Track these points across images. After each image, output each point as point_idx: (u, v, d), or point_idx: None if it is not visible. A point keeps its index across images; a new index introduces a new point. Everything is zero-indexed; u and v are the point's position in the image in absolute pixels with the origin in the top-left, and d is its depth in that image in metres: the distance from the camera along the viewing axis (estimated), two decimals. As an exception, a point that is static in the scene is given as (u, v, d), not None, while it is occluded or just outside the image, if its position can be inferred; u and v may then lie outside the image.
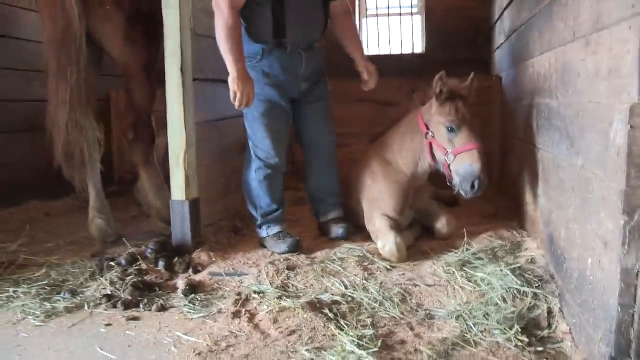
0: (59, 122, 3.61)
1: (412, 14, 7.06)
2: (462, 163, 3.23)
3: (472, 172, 3.19)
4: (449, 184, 3.39)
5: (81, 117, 3.64)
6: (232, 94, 3.29)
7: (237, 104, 3.32)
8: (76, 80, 3.57)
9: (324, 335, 2.41)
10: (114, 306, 2.83)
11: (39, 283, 3.10)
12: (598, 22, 2.06)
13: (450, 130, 3.26)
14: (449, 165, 3.30)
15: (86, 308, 2.82)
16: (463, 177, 3.22)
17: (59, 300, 2.90)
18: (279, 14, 3.39)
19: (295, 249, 3.52)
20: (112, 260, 3.36)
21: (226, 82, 3.33)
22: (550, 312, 2.54)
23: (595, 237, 2.06)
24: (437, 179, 3.69)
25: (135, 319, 2.71)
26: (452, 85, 3.32)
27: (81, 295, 2.98)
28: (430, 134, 3.39)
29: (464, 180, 3.22)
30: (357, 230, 3.81)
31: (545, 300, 2.62)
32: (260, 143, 3.59)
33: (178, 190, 3.52)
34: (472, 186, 3.19)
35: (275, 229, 3.68)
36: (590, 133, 2.14)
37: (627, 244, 1.76)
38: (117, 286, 3.01)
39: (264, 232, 3.73)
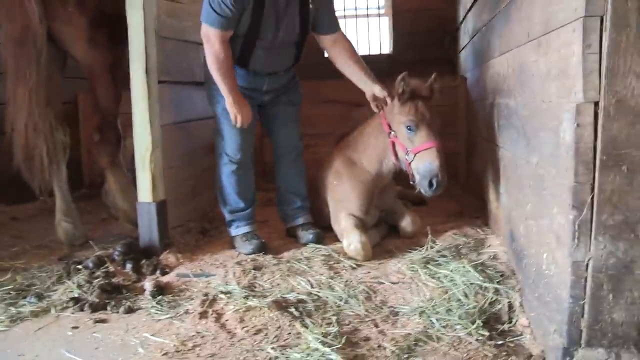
0: (17, 125, 3.56)
1: (379, 15, 7.14)
2: (421, 161, 3.28)
3: (430, 170, 3.24)
4: (411, 182, 3.44)
5: (40, 119, 3.58)
6: (232, 117, 3.45)
7: (238, 124, 3.46)
8: (35, 82, 3.52)
9: (290, 333, 2.44)
10: (81, 309, 2.81)
11: (4, 287, 3.06)
12: (547, 24, 2.14)
13: (409, 129, 3.31)
14: (409, 164, 3.36)
15: (53, 311, 2.80)
16: (422, 175, 3.28)
17: (25, 305, 2.87)
18: (247, 49, 3.47)
19: (261, 250, 3.55)
20: (79, 263, 3.34)
21: (192, 83, 3.31)
22: (510, 306, 2.61)
23: (549, 232, 2.14)
24: (404, 178, 3.74)
25: (102, 321, 2.71)
26: (412, 85, 3.37)
27: (48, 299, 2.95)
28: (393, 133, 3.44)
29: (423, 178, 3.27)
30: (325, 231, 3.84)
31: (506, 295, 2.68)
32: (227, 139, 3.62)
33: (144, 192, 3.51)
34: (431, 184, 3.24)
35: (244, 229, 3.70)
36: (544, 131, 2.22)
37: (577, 237, 1.83)
38: (84, 289, 3.00)
39: (232, 231, 3.75)
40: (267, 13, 3.34)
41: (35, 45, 3.49)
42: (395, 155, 3.50)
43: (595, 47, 1.73)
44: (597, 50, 1.73)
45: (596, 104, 1.76)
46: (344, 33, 3.75)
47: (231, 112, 3.43)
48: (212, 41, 3.31)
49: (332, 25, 3.64)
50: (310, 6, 3.49)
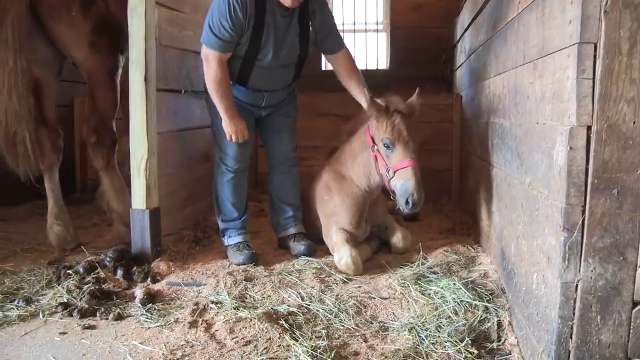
0: None
1: (377, 31, 7.21)
2: (398, 179, 3.30)
3: (405, 189, 3.25)
4: (392, 197, 3.45)
5: (20, 105, 3.55)
6: (227, 136, 3.51)
7: (234, 140, 3.52)
8: (13, 67, 3.50)
9: (279, 345, 2.44)
10: (70, 314, 2.81)
11: (-8, 291, 3.04)
12: (543, 48, 2.18)
13: (386, 146, 3.33)
14: (389, 180, 3.38)
15: (40, 316, 2.80)
16: (399, 193, 3.30)
17: (12, 309, 2.86)
18: (246, 69, 3.54)
19: (252, 261, 3.55)
20: (70, 268, 3.33)
21: (191, 92, 3.33)
22: (499, 324, 2.63)
23: (540, 253, 2.16)
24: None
25: (91, 327, 2.70)
26: (391, 102, 3.40)
27: (36, 303, 2.95)
28: (375, 147, 3.47)
29: (400, 196, 3.30)
30: (318, 244, 3.84)
31: (496, 314, 2.70)
32: (225, 149, 3.65)
33: (138, 198, 3.51)
34: (407, 202, 3.25)
35: (236, 239, 3.72)
36: (537, 153, 2.25)
37: (567, 259, 1.86)
38: (74, 294, 3.00)
39: (225, 240, 3.77)
40: (266, 36, 3.41)
41: (14, 30, 3.46)
42: (378, 170, 3.52)
43: (589, 73, 1.77)
44: (591, 76, 1.77)
45: (589, 128, 1.80)
46: (346, 48, 3.78)
47: (227, 130, 3.49)
48: (210, 62, 3.39)
49: (334, 46, 3.70)
50: (310, 29, 3.55)
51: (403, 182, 3.26)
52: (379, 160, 3.45)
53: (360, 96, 3.58)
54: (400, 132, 3.30)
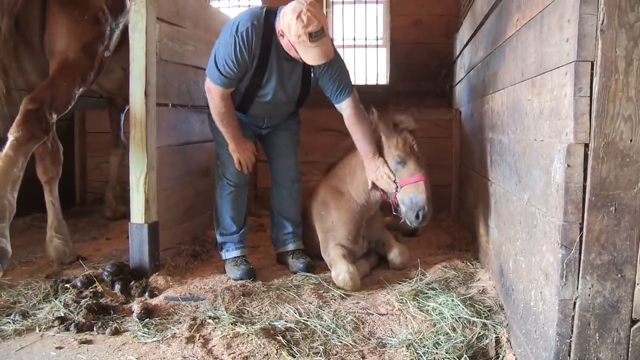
0: None
1: (377, 46, 7.26)
2: (408, 194, 3.36)
3: (416, 203, 3.32)
4: (394, 212, 3.49)
5: None
6: (235, 162, 3.57)
7: (244, 169, 3.62)
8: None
9: (276, 361, 2.43)
10: (67, 329, 2.79)
11: (-12, 305, 3.02)
12: (541, 65, 2.19)
13: (398, 162, 3.39)
14: (395, 195, 3.40)
15: (37, 331, 2.77)
16: (408, 207, 3.35)
17: (9, 323, 2.84)
18: (247, 102, 3.59)
19: (249, 276, 3.55)
20: (68, 281, 3.31)
21: (189, 106, 3.35)
22: (498, 341, 2.61)
23: (538, 270, 2.16)
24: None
25: (87, 342, 2.68)
26: (400, 119, 3.46)
27: (32, 317, 2.92)
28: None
29: (410, 209, 3.34)
30: (316, 260, 3.83)
31: (494, 330, 2.69)
32: (226, 163, 3.67)
33: (137, 213, 3.51)
34: (417, 216, 3.32)
35: (234, 253, 3.71)
36: (535, 169, 2.25)
37: (565, 276, 1.86)
38: (71, 308, 2.97)
39: (223, 254, 3.76)
40: (268, 76, 3.44)
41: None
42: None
43: (587, 91, 1.78)
44: (588, 94, 1.78)
45: (586, 145, 1.80)
46: (351, 99, 3.55)
47: (234, 156, 3.54)
48: (213, 96, 3.43)
49: (338, 97, 3.54)
50: (312, 75, 3.56)
51: (414, 196, 3.33)
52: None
53: (363, 150, 3.52)
54: (411, 148, 3.40)
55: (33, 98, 3.29)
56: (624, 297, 1.82)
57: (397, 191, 3.40)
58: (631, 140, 1.76)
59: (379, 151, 3.51)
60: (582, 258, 1.83)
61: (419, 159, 3.41)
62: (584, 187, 1.82)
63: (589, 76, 1.78)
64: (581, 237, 1.83)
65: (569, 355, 1.88)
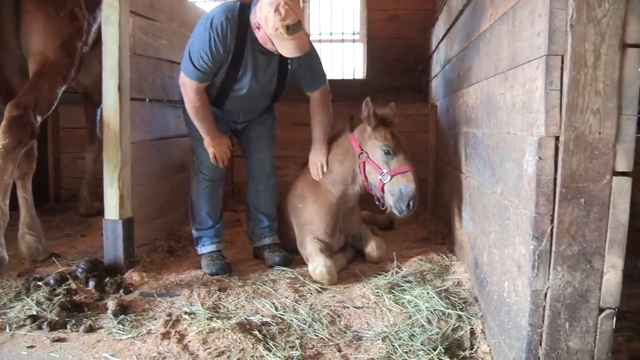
0: None
1: (353, 41, 7.26)
2: (397, 184, 3.39)
3: (407, 192, 3.36)
4: (377, 202, 3.52)
5: None
6: (211, 157, 3.56)
7: (220, 164, 3.60)
8: None
9: (252, 356, 2.42)
10: (39, 327, 2.74)
11: (-44, 304, 2.97)
12: (514, 59, 2.22)
13: (387, 153, 3.43)
14: (382, 185, 3.42)
15: (7, 330, 2.73)
16: (399, 197, 3.38)
17: (-22, 323, 2.79)
18: (222, 96, 3.58)
19: (225, 271, 3.54)
20: (40, 279, 3.26)
21: (164, 101, 3.33)
22: (472, 333, 2.64)
23: (511, 261, 2.18)
24: (371, 202, 3.77)
25: (60, 340, 2.65)
26: (384, 112, 3.51)
27: (3, 316, 2.88)
28: (365, 154, 3.51)
29: (400, 199, 3.38)
30: (292, 254, 3.84)
31: (469, 322, 2.72)
32: (202, 157, 3.65)
33: (111, 209, 3.46)
34: (408, 205, 3.36)
35: (209, 247, 3.71)
36: (508, 162, 2.28)
37: (536, 267, 1.88)
38: (44, 306, 2.93)
39: (199, 249, 3.76)
40: (243, 70, 3.44)
41: None
42: (366, 176, 3.56)
43: (557, 84, 1.80)
44: (559, 87, 1.80)
45: (557, 138, 1.83)
46: (323, 88, 3.77)
47: (209, 150, 3.53)
48: (188, 90, 3.42)
49: (311, 86, 3.73)
50: (289, 67, 3.58)
51: (405, 186, 3.37)
52: (368, 166, 3.51)
53: (315, 134, 3.79)
54: (399, 140, 3.48)
55: (17, 104, 3.28)
56: (593, 287, 1.85)
57: (384, 181, 3.42)
58: (600, 133, 1.79)
59: (361, 142, 3.56)
60: (553, 249, 1.86)
61: (406, 151, 3.47)
62: (555, 179, 1.84)
63: (559, 70, 1.80)
64: (552, 228, 1.86)
65: (540, 344, 1.91)
